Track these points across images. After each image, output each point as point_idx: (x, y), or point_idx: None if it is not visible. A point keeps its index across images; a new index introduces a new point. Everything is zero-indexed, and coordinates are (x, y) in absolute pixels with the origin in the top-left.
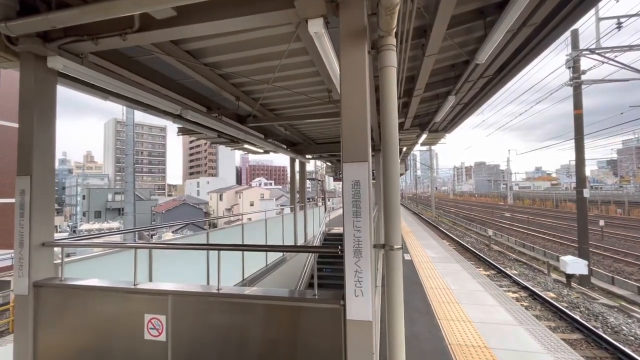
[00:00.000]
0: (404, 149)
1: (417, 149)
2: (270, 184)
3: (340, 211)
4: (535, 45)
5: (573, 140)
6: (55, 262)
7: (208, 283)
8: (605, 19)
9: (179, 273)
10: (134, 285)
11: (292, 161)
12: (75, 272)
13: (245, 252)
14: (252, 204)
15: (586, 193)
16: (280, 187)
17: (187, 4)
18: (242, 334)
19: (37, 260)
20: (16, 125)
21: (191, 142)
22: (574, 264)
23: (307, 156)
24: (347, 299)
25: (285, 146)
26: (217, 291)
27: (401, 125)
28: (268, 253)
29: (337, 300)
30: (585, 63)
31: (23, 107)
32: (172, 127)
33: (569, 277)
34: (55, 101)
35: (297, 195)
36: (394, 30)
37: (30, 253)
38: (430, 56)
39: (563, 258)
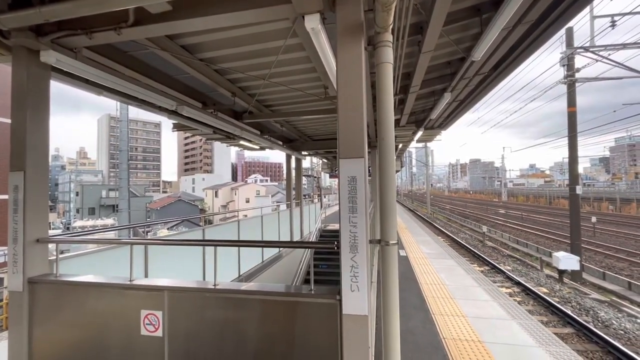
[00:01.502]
0: (400, 145)
1: (413, 145)
2: (266, 180)
3: (336, 208)
4: (530, 42)
5: (566, 138)
6: (49, 258)
7: (204, 279)
8: (600, 17)
9: (175, 269)
10: (130, 281)
11: (288, 158)
12: (70, 268)
13: (241, 248)
14: (248, 201)
15: (579, 190)
16: (277, 183)
17: None
18: (239, 329)
19: (31, 257)
20: (9, 120)
21: (186, 138)
22: (566, 260)
23: (304, 153)
24: (343, 294)
25: (281, 142)
26: (213, 287)
27: (397, 122)
28: (264, 249)
29: (333, 295)
30: (579, 61)
31: (16, 102)
32: (167, 123)
33: (561, 272)
34: (48, 96)
35: (293, 192)
36: (391, 27)
37: (25, 249)
38: (426, 53)
39: (555, 254)
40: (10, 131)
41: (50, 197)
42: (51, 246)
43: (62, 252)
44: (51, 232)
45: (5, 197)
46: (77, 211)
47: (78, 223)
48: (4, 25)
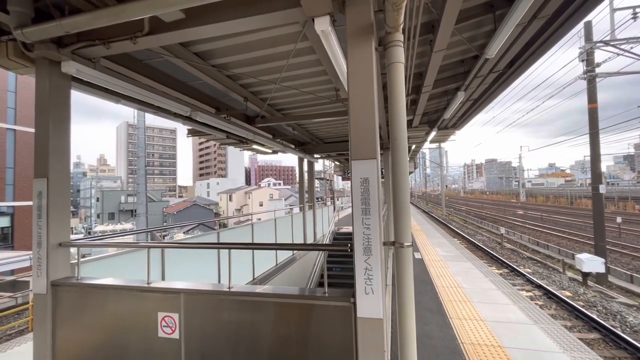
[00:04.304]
0: (413, 146)
1: (427, 146)
2: (279, 184)
3: (349, 211)
4: (546, 38)
5: (586, 136)
6: (71, 262)
7: (219, 282)
8: (620, 9)
9: (191, 272)
10: (148, 284)
11: (301, 161)
12: (90, 271)
13: (255, 252)
14: (261, 204)
15: (602, 189)
16: (289, 187)
17: (195, 6)
18: (254, 331)
19: (54, 260)
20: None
21: (201, 143)
22: (591, 262)
23: (316, 155)
24: (358, 297)
25: (293, 146)
26: (228, 289)
27: (410, 123)
28: (278, 252)
29: (348, 298)
30: (599, 56)
31: (39, 112)
32: (182, 129)
33: (585, 275)
34: (69, 105)
35: (306, 195)
36: (401, 26)
37: (48, 253)
38: (438, 52)
39: (579, 256)
40: (34, 139)
41: (72, 203)
42: (73, 250)
43: (83, 256)
44: (74, 236)
45: (31, 203)
46: (98, 216)
47: (99, 228)
48: (27, 38)
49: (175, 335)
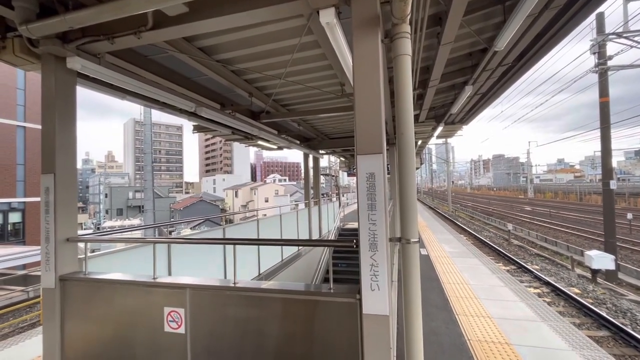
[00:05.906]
0: (419, 142)
1: (433, 142)
2: (285, 180)
3: (354, 207)
4: (558, 29)
5: (596, 131)
6: (79, 257)
7: (225, 277)
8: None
9: (197, 268)
10: (154, 279)
11: (306, 157)
12: (98, 266)
13: (261, 247)
14: (267, 200)
15: (613, 185)
16: (295, 183)
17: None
18: (259, 326)
19: (62, 255)
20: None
21: (207, 140)
22: (600, 259)
23: (321, 151)
24: (363, 293)
25: (298, 142)
26: (233, 285)
27: (416, 118)
28: (283, 248)
29: (353, 294)
30: (610, 48)
31: (45, 108)
32: (188, 125)
33: (595, 272)
34: (75, 101)
35: (312, 191)
36: (408, 18)
37: (56, 248)
38: (446, 45)
39: (588, 252)
40: (41, 136)
41: (81, 199)
42: (81, 245)
43: (92, 251)
44: (83, 232)
45: (39, 199)
46: (107, 212)
47: (107, 223)
48: (32, 34)
49: (181, 330)
